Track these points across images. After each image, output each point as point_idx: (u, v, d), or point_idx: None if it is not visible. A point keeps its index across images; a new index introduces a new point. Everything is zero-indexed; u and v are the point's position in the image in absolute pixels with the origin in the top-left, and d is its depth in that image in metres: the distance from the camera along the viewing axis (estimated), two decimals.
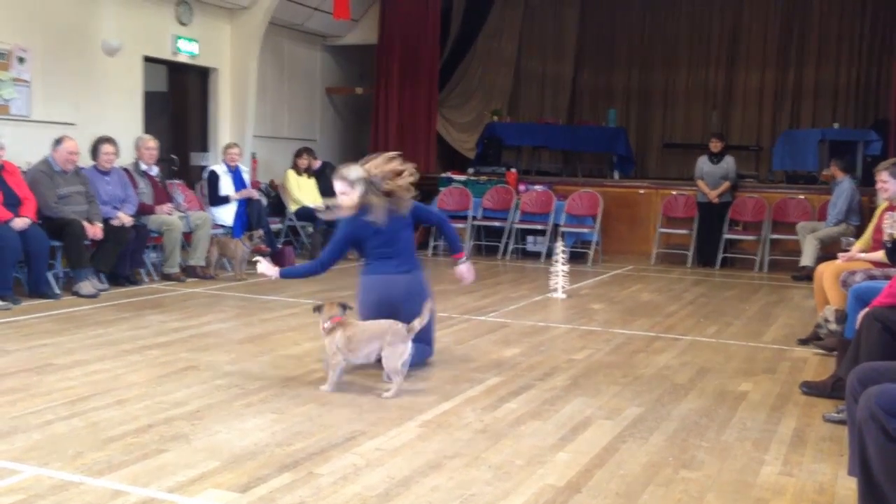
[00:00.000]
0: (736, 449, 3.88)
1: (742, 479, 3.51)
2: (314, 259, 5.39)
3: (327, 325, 4.69)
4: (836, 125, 13.20)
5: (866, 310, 4.47)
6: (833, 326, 5.65)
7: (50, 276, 7.38)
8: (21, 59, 8.79)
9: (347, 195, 5.10)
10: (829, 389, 4.73)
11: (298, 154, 10.82)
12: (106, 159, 8.13)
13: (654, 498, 3.29)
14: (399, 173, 5.19)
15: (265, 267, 5.08)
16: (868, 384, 3.02)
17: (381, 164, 5.19)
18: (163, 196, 8.73)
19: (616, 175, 14.11)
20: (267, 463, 3.52)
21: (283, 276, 5.17)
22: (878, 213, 6.31)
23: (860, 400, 2.94)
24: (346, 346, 4.64)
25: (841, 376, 4.52)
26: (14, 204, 7.16)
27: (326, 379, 4.73)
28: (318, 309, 4.77)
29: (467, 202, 11.65)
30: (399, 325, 4.64)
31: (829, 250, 9.32)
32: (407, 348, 4.63)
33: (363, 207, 5.10)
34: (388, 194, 5.14)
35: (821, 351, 5.91)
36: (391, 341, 4.59)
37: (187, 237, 8.77)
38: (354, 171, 5.12)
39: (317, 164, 11.12)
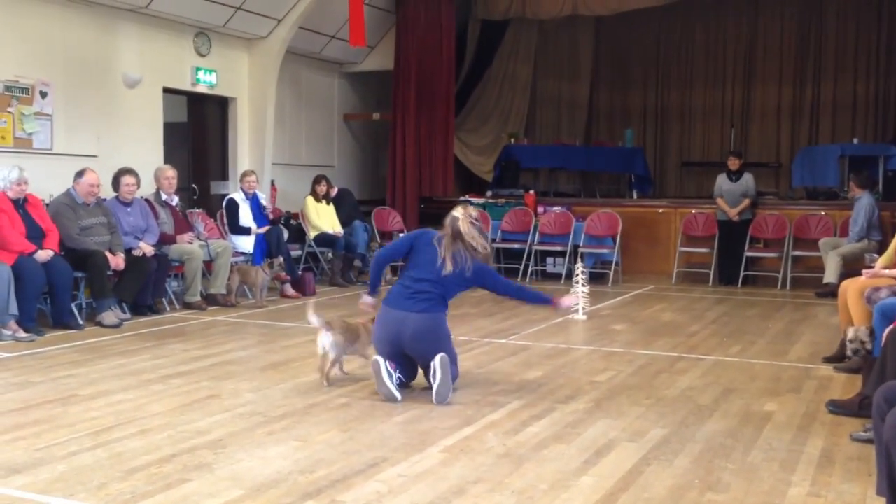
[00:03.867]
0: (762, 470, 3.83)
1: (769, 501, 3.46)
2: (376, 256, 5.58)
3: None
4: (855, 140, 13.12)
5: (891, 327, 4.42)
6: (870, 347, 5.55)
7: (73, 306, 7.45)
8: (43, 94, 8.92)
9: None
10: (856, 408, 4.67)
11: (317, 181, 10.88)
12: (127, 190, 8.22)
13: None
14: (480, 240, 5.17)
15: (366, 302, 5.37)
16: (895, 402, 2.98)
17: (473, 217, 5.17)
18: (183, 225, 8.80)
19: (634, 195, 14.08)
20: (290, 491, 3.51)
21: (373, 293, 5.39)
22: None
23: (887, 418, 2.90)
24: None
25: (868, 394, 4.46)
26: (37, 236, 7.24)
27: (353, 405, 4.74)
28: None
29: (486, 225, 11.64)
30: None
31: (851, 267, 9.23)
32: None
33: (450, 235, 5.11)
34: (461, 240, 5.10)
35: (844, 373, 5.84)
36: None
37: (208, 266, 8.82)
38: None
39: (334, 190, 11.18)
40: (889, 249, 6.30)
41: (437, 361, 4.88)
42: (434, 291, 5.07)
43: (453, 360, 5.07)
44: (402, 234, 5.52)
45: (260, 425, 4.48)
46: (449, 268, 5.04)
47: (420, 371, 5.21)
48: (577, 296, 5.73)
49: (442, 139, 12.99)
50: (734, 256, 10.86)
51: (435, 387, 4.89)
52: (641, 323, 8.03)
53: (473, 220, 5.14)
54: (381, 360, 4.98)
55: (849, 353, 5.77)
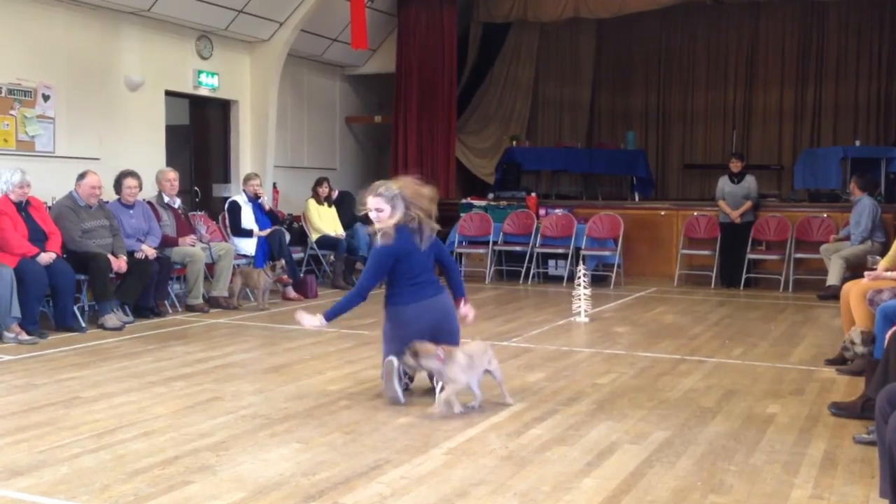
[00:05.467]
0: (765, 472, 3.83)
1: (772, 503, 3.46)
2: (351, 290, 5.19)
3: (442, 353, 4.67)
4: (857, 142, 13.12)
5: (894, 329, 4.41)
6: (859, 349, 5.56)
7: (76, 309, 7.45)
8: (46, 97, 8.94)
9: (384, 212, 4.95)
10: (858, 410, 4.66)
11: (318, 183, 10.89)
12: (129, 193, 8.22)
13: None
14: (432, 199, 5.08)
15: (308, 320, 4.99)
16: None
17: (412, 185, 5.04)
18: (186, 228, 8.81)
19: (636, 197, 14.08)
20: (292, 493, 3.51)
21: (329, 318, 5.02)
22: None
23: (890, 420, 2.90)
24: (470, 364, 4.74)
25: (871, 396, 4.46)
26: (40, 239, 7.25)
27: (355, 408, 4.72)
28: (414, 355, 4.71)
29: (488, 227, 11.66)
30: (484, 343, 5.08)
31: (855, 270, 9.21)
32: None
33: (404, 225, 4.96)
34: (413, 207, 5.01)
35: (846, 375, 5.84)
36: (491, 356, 4.93)
37: (210, 268, 8.82)
38: (391, 188, 4.98)
39: (334, 193, 11.18)
40: (891, 251, 6.29)
41: None
42: (432, 274, 5.15)
43: None
44: (377, 257, 5.12)
45: (262, 427, 4.48)
46: (424, 244, 5.04)
47: (419, 374, 5.20)
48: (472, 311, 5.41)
49: (444, 142, 13.01)
50: (736, 259, 10.85)
51: (439, 394, 4.86)
52: (643, 325, 8.02)
53: (406, 190, 4.99)
54: (395, 360, 4.92)
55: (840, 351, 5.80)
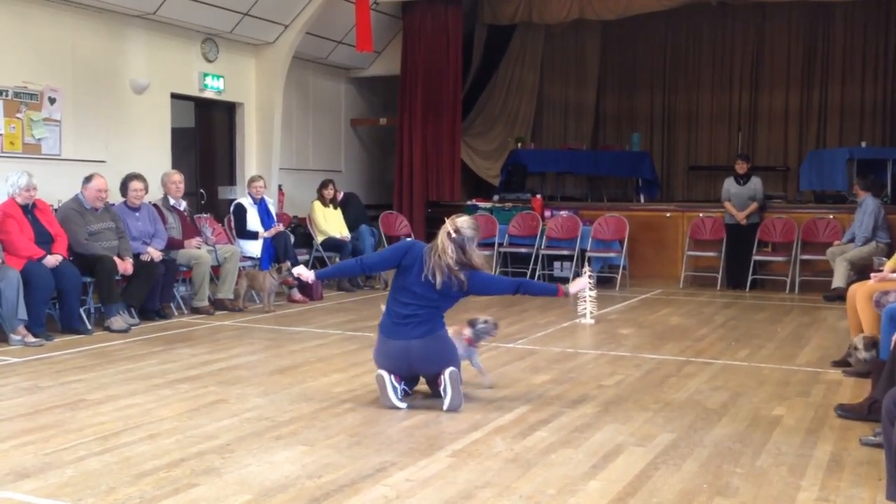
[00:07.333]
0: (771, 475, 3.82)
1: None
2: (356, 258, 5.52)
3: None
4: (863, 144, 13.09)
5: None
6: (862, 354, 5.55)
7: (82, 311, 7.46)
8: (52, 100, 8.97)
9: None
10: (865, 412, 4.65)
11: (324, 185, 10.89)
12: (135, 196, 8.24)
13: None
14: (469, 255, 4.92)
15: (301, 269, 5.26)
16: None
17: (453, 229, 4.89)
18: (191, 230, 8.82)
19: (642, 199, 14.07)
20: (298, 496, 3.51)
21: (319, 277, 5.34)
22: None
23: None
24: None
25: (877, 398, 4.44)
26: (46, 241, 7.27)
27: (360, 410, 4.74)
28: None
29: (493, 229, 11.65)
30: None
31: (861, 272, 9.18)
32: None
33: (423, 245, 4.99)
34: (462, 262, 4.86)
35: (852, 377, 5.82)
36: None
37: (216, 270, 8.83)
38: (472, 222, 4.96)
39: (340, 195, 11.19)
40: None
41: (447, 376, 4.85)
42: (423, 313, 4.88)
43: (458, 366, 5.01)
44: (400, 241, 5.32)
45: (268, 430, 4.48)
46: (438, 281, 4.82)
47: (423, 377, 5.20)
48: (585, 279, 5.84)
49: (449, 144, 13.01)
50: (742, 260, 10.83)
51: (447, 402, 4.84)
52: (649, 327, 8.01)
53: (451, 232, 4.84)
54: (385, 373, 4.93)
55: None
